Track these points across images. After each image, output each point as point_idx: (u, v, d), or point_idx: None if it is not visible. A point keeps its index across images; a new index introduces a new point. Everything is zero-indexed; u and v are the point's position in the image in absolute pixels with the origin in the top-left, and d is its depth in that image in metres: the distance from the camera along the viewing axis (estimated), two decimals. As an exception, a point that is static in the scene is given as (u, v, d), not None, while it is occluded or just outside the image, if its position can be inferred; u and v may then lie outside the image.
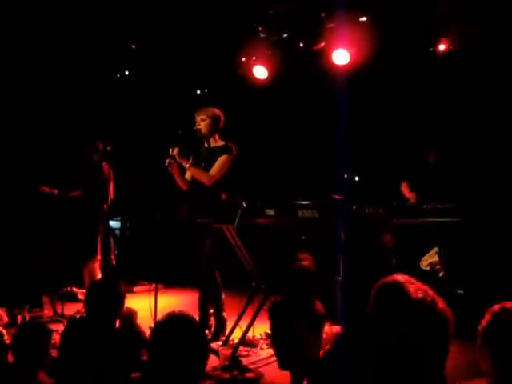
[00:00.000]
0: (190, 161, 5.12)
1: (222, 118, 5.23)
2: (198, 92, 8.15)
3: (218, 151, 5.17)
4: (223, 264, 5.18)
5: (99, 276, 6.10)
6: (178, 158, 5.06)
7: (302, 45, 6.69)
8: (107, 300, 3.33)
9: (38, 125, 7.50)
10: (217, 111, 5.22)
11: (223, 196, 5.17)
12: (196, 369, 2.19)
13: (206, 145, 5.28)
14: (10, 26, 6.66)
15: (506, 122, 6.17)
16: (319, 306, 2.53)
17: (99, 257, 6.23)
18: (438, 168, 5.99)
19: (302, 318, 2.41)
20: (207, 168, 5.14)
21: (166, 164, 5.06)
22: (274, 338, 2.48)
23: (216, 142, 5.24)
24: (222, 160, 5.11)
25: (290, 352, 2.37)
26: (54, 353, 3.43)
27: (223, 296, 5.19)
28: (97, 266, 6.15)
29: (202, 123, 5.15)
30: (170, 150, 5.06)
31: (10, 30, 6.70)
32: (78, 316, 5.36)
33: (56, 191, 6.16)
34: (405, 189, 6.18)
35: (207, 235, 5.04)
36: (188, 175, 5.25)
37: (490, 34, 5.75)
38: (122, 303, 3.47)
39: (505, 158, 6.14)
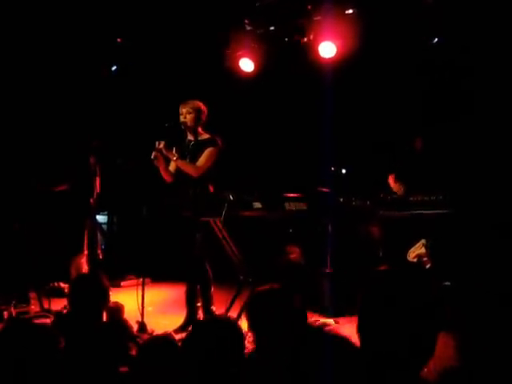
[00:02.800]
0: (177, 153, 5.10)
1: (206, 111, 5.23)
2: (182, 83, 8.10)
3: (204, 144, 5.16)
4: (212, 257, 5.18)
5: (86, 271, 6.07)
6: (164, 152, 5.05)
7: (288, 38, 6.68)
8: (90, 294, 3.31)
9: (24, 120, 7.43)
10: (201, 104, 5.21)
11: (211, 189, 5.16)
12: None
13: (190, 138, 5.26)
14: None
15: (494, 112, 6.19)
16: (297, 302, 2.58)
17: (86, 251, 6.19)
18: (425, 158, 6.00)
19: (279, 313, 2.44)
20: (193, 161, 5.13)
21: (152, 157, 5.05)
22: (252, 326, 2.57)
23: (201, 134, 5.23)
24: (208, 152, 5.10)
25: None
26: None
27: (212, 289, 5.18)
28: (83, 260, 6.12)
29: (188, 116, 5.14)
30: (157, 143, 5.05)
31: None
32: (65, 311, 5.34)
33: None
34: (391, 181, 6.17)
35: (196, 229, 5.03)
36: (172, 167, 5.24)
37: (475, 24, 5.78)
38: (106, 296, 3.45)
39: (493, 149, 6.16)
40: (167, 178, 5.21)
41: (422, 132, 6.30)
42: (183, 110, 5.16)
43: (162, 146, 5.02)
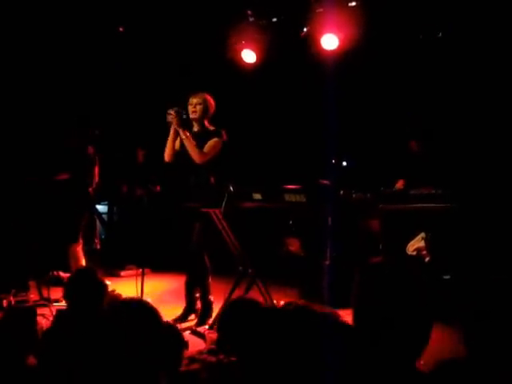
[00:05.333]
0: (189, 134, 5.08)
1: (214, 104, 5.23)
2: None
3: (210, 134, 5.15)
4: (211, 248, 5.18)
5: (83, 260, 6.06)
6: (180, 123, 5.04)
7: (290, 29, 6.66)
8: (86, 291, 3.30)
9: (24, 109, 7.42)
10: (210, 97, 5.22)
11: (212, 179, 5.15)
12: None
13: (195, 129, 5.25)
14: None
15: (493, 107, 6.18)
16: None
17: (81, 240, 6.18)
18: (424, 154, 5.99)
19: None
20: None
21: (172, 112, 5.04)
22: None
23: (207, 127, 5.23)
24: (213, 142, 5.10)
25: None
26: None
27: (210, 279, 5.19)
28: (80, 249, 6.10)
29: (198, 106, 5.14)
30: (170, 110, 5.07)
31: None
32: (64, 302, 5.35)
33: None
34: (399, 186, 6.13)
35: (196, 219, 5.04)
36: (177, 145, 5.22)
37: (477, 19, 5.77)
38: (102, 292, 3.43)
39: (491, 144, 6.16)
40: (169, 152, 5.20)
41: (424, 127, 6.29)
42: (194, 100, 5.16)
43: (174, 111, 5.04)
